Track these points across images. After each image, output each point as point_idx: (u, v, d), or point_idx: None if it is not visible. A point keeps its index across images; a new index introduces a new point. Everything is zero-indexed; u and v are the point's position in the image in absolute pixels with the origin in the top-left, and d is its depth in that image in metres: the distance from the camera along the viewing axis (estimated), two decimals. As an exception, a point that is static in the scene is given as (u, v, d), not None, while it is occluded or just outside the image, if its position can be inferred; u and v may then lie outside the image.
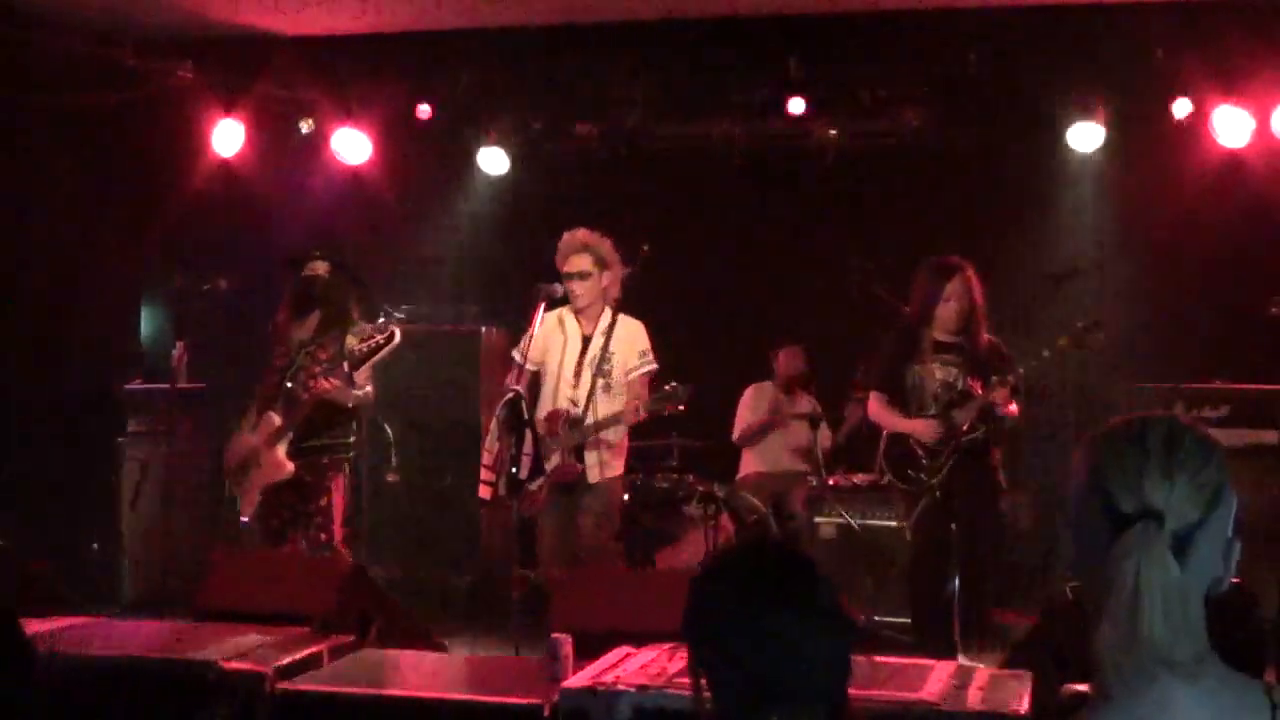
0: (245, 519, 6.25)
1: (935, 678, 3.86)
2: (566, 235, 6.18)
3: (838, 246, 8.32)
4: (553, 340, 6.20)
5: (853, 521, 7.25)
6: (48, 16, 7.36)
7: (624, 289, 6.30)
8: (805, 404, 8.10)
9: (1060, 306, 7.25)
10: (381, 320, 6.32)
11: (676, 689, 3.62)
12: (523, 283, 6.37)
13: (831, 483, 7.53)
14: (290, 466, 6.11)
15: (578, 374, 6.13)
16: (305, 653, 4.24)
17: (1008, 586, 6.90)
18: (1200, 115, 7.40)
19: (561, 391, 6.13)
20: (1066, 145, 7.70)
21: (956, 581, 5.89)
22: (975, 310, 6.12)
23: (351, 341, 6.04)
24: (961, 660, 5.23)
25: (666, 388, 5.97)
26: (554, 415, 6.09)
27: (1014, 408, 6.07)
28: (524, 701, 3.82)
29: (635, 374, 6.16)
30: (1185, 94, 7.38)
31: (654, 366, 6.20)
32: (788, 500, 7.78)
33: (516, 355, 6.21)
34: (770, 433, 8.13)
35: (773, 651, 1.84)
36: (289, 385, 6.15)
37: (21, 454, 7.55)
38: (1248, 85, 7.25)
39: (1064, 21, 7.30)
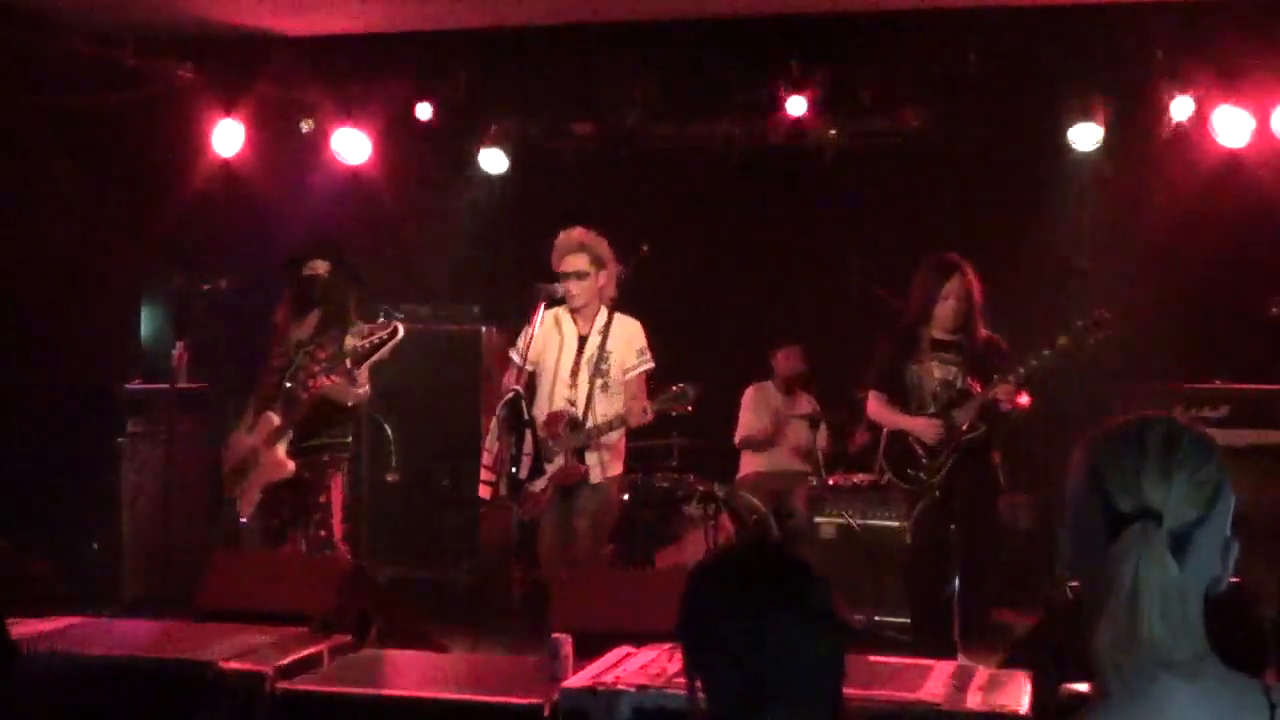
0: (244, 519, 6.25)
1: (935, 678, 3.86)
2: (562, 234, 6.18)
3: (838, 246, 8.33)
4: (550, 340, 6.20)
5: (853, 521, 7.25)
6: (48, 16, 7.36)
7: (622, 288, 6.30)
8: (805, 404, 8.11)
9: (1060, 306, 7.24)
10: (382, 318, 6.32)
11: (676, 689, 3.62)
12: (523, 283, 6.36)
13: (831, 483, 7.53)
14: (290, 465, 6.11)
15: (575, 374, 6.13)
16: (305, 653, 4.24)
17: (1008, 586, 6.90)
18: (1200, 115, 7.40)
19: (559, 391, 6.13)
20: (1066, 145, 7.69)
21: (956, 581, 5.89)
22: (974, 309, 6.12)
23: (351, 340, 6.04)
24: (961, 660, 5.23)
25: (674, 389, 5.97)
26: (554, 418, 6.09)
27: (1024, 399, 6.05)
28: (524, 701, 3.82)
29: (633, 373, 6.16)
30: (1185, 94, 7.38)
31: (651, 365, 6.20)
32: (788, 500, 7.79)
33: (514, 356, 6.21)
34: (772, 443, 8.16)
35: (767, 652, 1.84)
36: (288, 385, 6.15)
37: (21, 454, 7.55)
38: (1248, 85, 7.25)
39: (1064, 21, 7.30)
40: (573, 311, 6.20)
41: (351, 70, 8.19)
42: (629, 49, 7.87)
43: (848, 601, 6.61)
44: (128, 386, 7.89)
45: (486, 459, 6.14)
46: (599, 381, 6.10)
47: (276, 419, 6.10)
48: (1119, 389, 6.88)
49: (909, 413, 6.16)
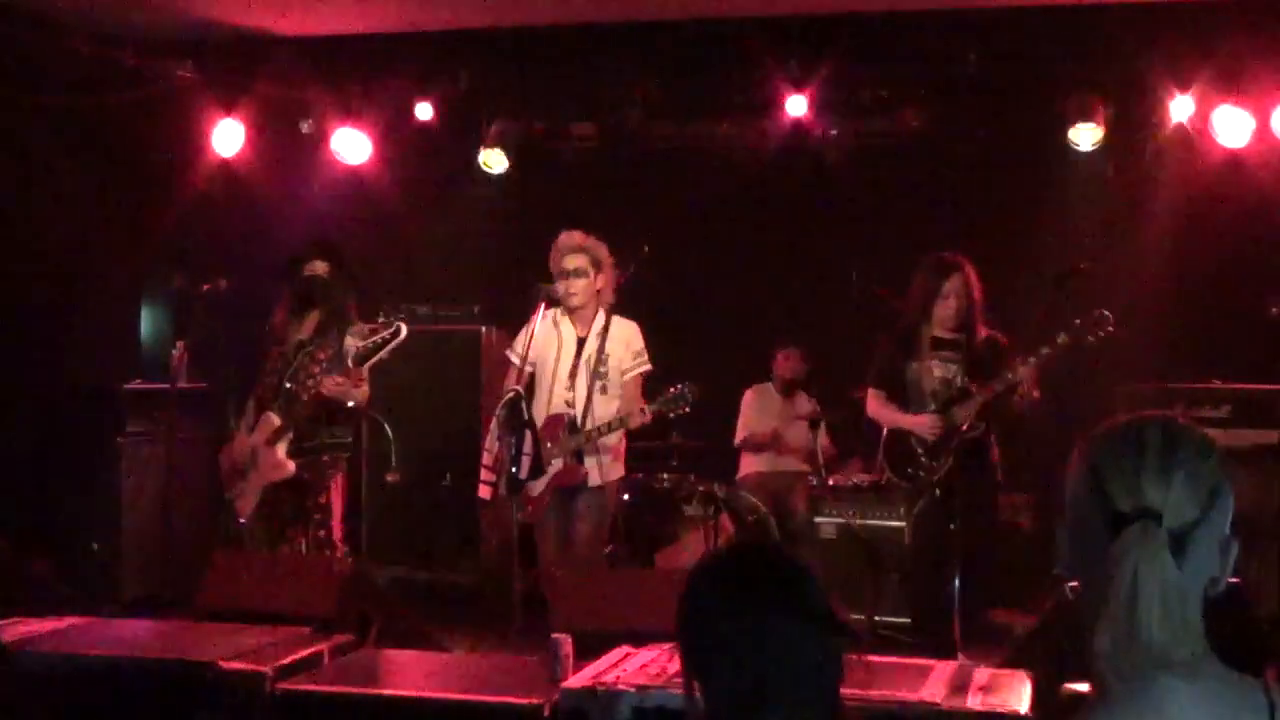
0: (243, 520, 6.24)
1: (935, 678, 3.86)
2: (564, 235, 6.21)
3: (838, 246, 8.33)
4: (549, 341, 6.21)
5: (852, 521, 7.25)
6: (48, 16, 7.35)
7: (622, 290, 6.32)
8: (805, 405, 8.10)
9: (1060, 306, 7.24)
10: (382, 319, 6.31)
11: (676, 689, 3.59)
12: (523, 283, 6.37)
13: (831, 483, 7.52)
14: (291, 466, 6.10)
15: (573, 376, 6.14)
16: (305, 653, 4.24)
17: (1008, 586, 6.89)
18: (1200, 115, 7.40)
19: (557, 393, 6.14)
20: (1066, 145, 7.69)
21: (956, 581, 5.88)
22: (974, 307, 6.12)
23: (352, 340, 6.04)
24: (961, 660, 5.23)
25: (673, 389, 5.98)
26: (553, 421, 6.10)
27: (1036, 392, 6.03)
28: (524, 701, 3.82)
29: (630, 374, 6.18)
30: (1185, 94, 7.37)
31: (648, 367, 6.21)
32: (788, 500, 7.79)
33: (513, 357, 6.21)
34: (773, 444, 8.16)
35: (764, 654, 1.84)
36: (288, 385, 6.14)
37: (21, 454, 7.55)
38: (1248, 85, 7.25)
39: (1064, 21, 7.30)
40: (570, 313, 6.21)
41: (351, 70, 8.18)
42: (629, 49, 7.87)
43: (847, 601, 6.61)
44: (128, 386, 7.89)
45: (486, 459, 6.14)
46: (598, 384, 6.12)
47: (277, 419, 6.09)
48: (1119, 389, 6.88)
49: (909, 411, 6.16)
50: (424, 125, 8.26)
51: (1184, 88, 7.35)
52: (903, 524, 6.70)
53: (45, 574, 6.12)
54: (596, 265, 6.17)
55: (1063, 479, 1.74)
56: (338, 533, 6.28)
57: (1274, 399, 6.63)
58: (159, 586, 7.28)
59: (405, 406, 7.58)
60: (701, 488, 7.28)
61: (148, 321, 8.96)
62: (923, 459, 6.10)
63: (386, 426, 7.85)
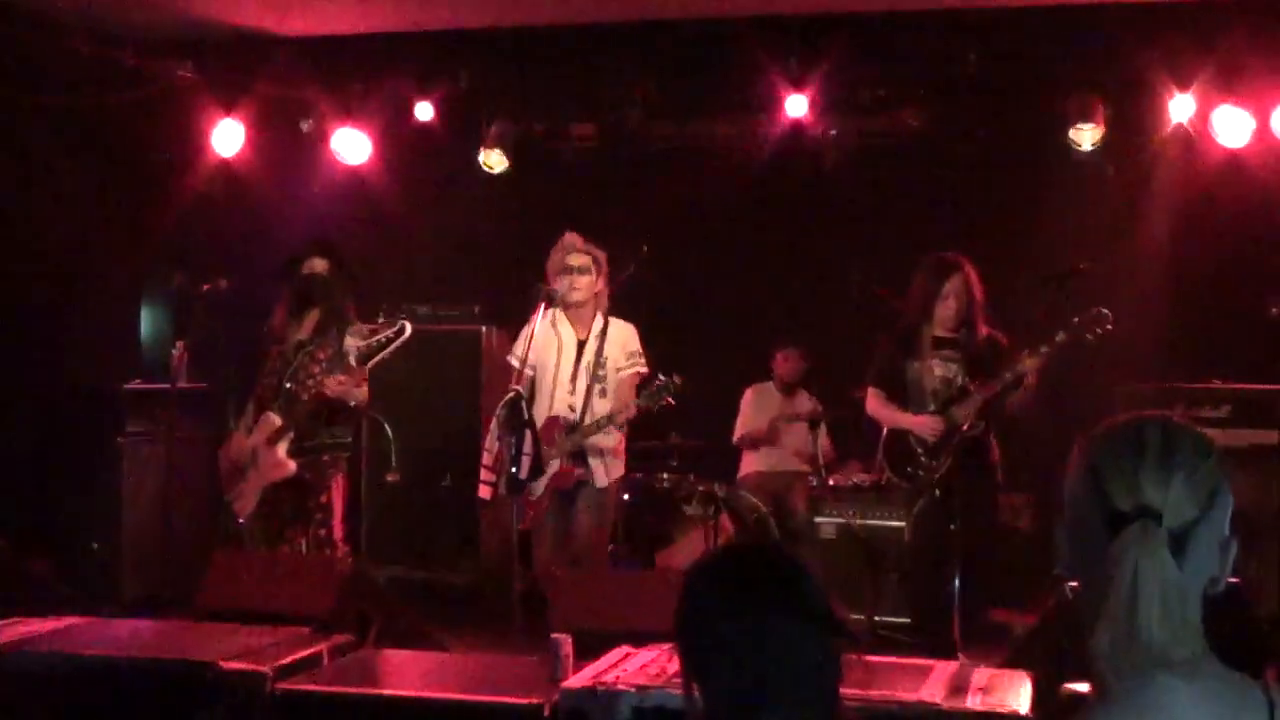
0: (242, 519, 6.24)
1: (935, 678, 3.86)
2: (568, 235, 6.25)
3: (837, 246, 8.32)
4: (549, 342, 6.22)
5: (852, 521, 7.25)
6: (48, 16, 7.35)
7: (620, 293, 6.36)
8: (805, 404, 8.10)
9: (1060, 306, 7.23)
10: (382, 318, 6.31)
11: (676, 689, 3.59)
12: (523, 283, 6.37)
13: (831, 483, 7.53)
14: (291, 466, 6.09)
15: (574, 378, 6.16)
16: (305, 653, 4.24)
17: (1008, 586, 6.90)
18: (1200, 115, 7.39)
19: (559, 396, 6.16)
20: (1067, 145, 7.69)
21: (956, 581, 5.89)
22: (975, 307, 6.12)
23: (352, 340, 6.03)
24: (961, 660, 5.23)
25: (657, 381, 6.00)
26: (551, 424, 6.12)
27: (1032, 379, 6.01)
28: (524, 701, 3.82)
29: (624, 374, 6.21)
30: (1185, 94, 7.37)
31: (644, 369, 6.23)
32: (788, 500, 7.79)
33: (513, 360, 6.21)
34: (771, 442, 8.16)
35: (764, 654, 1.84)
36: (288, 385, 6.14)
37: (21, 454, 7.55)
38: (1248, 85, 7.25)
39: (1064, 21, 7.29)
40: (569, 312, 6.23)
41: (351, 70, 8.18)
42: (629, 49, 7.87)
43: (847, 601, 6.61)
44: (128, 386, 7.89)
45: (486, 459, 6.14)
46: (596, 387, 6.16)
47: (277, 419, 6.09)
48: (1119, 389, 6.88)
49: (909, 411, 6.16)
50: (424, 125, 8.26)
51: (1184, 87, 7.34)
52: (902, 524, 6.70)
53: (45, 574, 6.11)
54: (598, 265, 6.23)
55: (1062, 479, 1.74)
56: (338, 532, 6.28)
57: (1274, 399, 6.63)
58: (159, 586, 7.28)
59: (405, 406, 7.59)
60: (701, 488, 7.28)
61: (148, 321, 8.96)
62: (922, 459, 6.10)
63: (386, 426, 7.85)
